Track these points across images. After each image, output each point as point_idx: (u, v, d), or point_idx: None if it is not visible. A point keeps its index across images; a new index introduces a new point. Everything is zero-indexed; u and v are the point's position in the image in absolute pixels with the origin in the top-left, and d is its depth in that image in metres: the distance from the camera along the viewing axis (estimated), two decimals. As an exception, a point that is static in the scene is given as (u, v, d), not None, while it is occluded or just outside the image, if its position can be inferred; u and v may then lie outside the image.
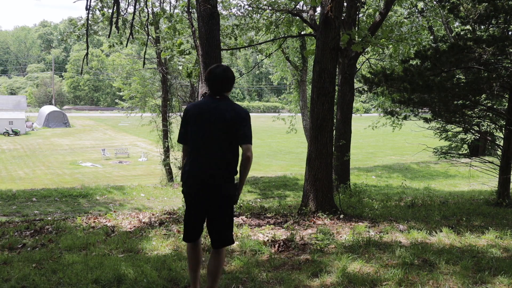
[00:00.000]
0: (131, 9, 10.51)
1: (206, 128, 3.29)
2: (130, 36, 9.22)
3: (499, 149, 11.00)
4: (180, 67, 10.10)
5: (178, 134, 3.50)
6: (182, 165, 3.35)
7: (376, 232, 5.79)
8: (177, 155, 22.01)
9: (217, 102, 3.33)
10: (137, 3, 11.27)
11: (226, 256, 4.69)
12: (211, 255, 3.48)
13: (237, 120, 3.26)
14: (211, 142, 3.29)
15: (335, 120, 10.83)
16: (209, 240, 3.68)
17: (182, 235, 5.32)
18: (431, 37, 18.84)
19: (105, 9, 11.57)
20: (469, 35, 8.90)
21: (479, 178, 16.65)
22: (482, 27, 10.02)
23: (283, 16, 11.89)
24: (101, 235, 5.75)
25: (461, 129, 15.63)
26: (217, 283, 3.49)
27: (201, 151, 3.31)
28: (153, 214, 7.53)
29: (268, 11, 11.74)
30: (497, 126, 11.43)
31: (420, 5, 16.59)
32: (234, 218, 6.75)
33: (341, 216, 6.75)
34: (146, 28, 11.31)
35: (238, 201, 8.43)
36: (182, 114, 20.28)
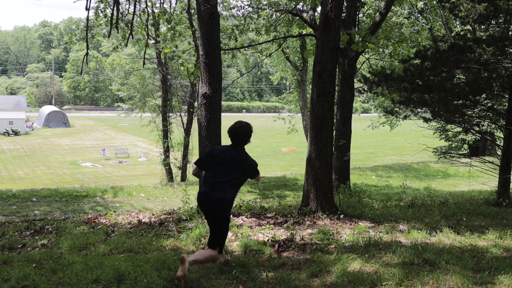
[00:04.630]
0: (132, 9, 10.49)
1: (225, 167, 4.14)
2: (130, 36, 9.22)
3: (499, 149, 10.99)
4: (180, 61, 10.09)
5: (200, 159, 4.48)
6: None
7: (376, 232, 5.79)
8: (177, 155, 22.00)
9: (237, 151, 4.20)
10: (137, 4, 11.26)
11: (226, 254, 4.69)
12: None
13: (248, 167, 4.23)
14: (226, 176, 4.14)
15: (335, 120, 10.82)
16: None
17: (181, 235, 5.36)
18: (431, 37, 18.85)
19: (107, 10, 11.55)
20: (469, 35, 8.91)
21: (479, 178, 16.64)
22: (482, 27, 10.02)
23: (283, 16, 11.88)
24: (101, 235, 5.74)
25: (461, 129, 15.62)
26: (196, 259, 4.00)
27: (218, 180, 4.13)
28: (153, 214, 7.52)
29: (268, 11, 11.73)
30: (497, 126, 11.41)
31: (420, 4, 16.58)
32: (234, 218, 6.79)
33: (341, 216, 6.74)
34: (146, 29, 11.31)
35: (237, 201, 8.50)
36: (182, 114, 20.06)
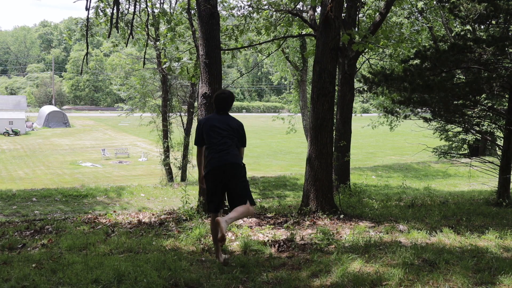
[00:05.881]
0: (132, 9, 10.48)
1: (219, 131, 4.47)
2: (130, 36, 9.22)
3: (499, 149, 10.99)
4: (179, 69, 10.11)
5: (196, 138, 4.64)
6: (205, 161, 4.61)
7: (376, 232, 5.79)
8: (177, 155, 22.01)
9: (224, 116, 4.57)
10: (137, 3, 11.25)
11: (226, 254, 4.69)
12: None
13: (239, 128, 4.58)
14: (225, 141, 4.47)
15: (335, 120, 10.81)
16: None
17: (181, 235, 5.36)
18: (431, 37, 18.85)
19: (107, 9, 11.54)
20: (469, 35, 8.90)
21: (479, 178, 16.64)
22: (482, 27, 10.02)
23: (283, 16, 11.88)
24: (101, 235, 5.74)
25: (461, 129, 15.62)
26: (231, 217, 4.21)
27: (218, 144, 4.44)
28: (153, 214, 7.53)
29: (268, 11, 11.73)
30: (497, 126, 11.40)
31: (420, 4, 16.57)
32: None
33: (341, 216, 6.74)
34: (146, 29, 11.31)
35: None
36: (182, 114, 20.03)
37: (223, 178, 4.41)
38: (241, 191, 4.42)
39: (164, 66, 10.58)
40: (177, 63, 10.58)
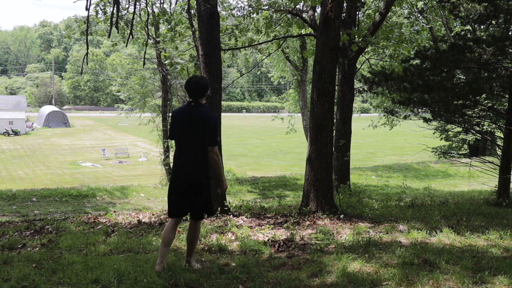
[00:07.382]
0: (132, 9, 10.49)
1: (186, 130, 4.12)
2: (130, 36, 9.21)
3: (499, 149, 10.99)
4: (179, 67, 10.12)
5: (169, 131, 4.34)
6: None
7: (376, 232, 5.79)
8: (177, 155, 21.96)
9: (194, 108, 4.14)
10: (137, 3, 11.25)
11: (226, 254, 4.69)
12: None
13: (206, 123, 4.07)
14: (190, 140, 4.12)
15: (335, 120, 10.82)
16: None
17: (181, 235, 5.37)
18: (431, 37, 18.85)
19: (107, 8, 11.55)
20: (469, 35, 8.90)
21: (479, 178, 16.65)
22: (482, 27, 10.02)
23: (283, 16, 11.88)
24: (101, 235, 5.74)
25: (461, 129, 15.63)
26: (192, 252, 4.34)
27: (183, 148, 4.15)
28: (153, 214, 7.53)
29: (267, 11, 11.73)
30: (497, 126, 11.40)
31: (420, 4, 16.57)
32: (234, 218, 6.80)
33: (341, 216, 6.75)
34: (146, 28, 11.30)
35: (237, 202, 8.55)
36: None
37: (183, 192, 4.19)
38: (200, 206, 4.22)
39: (165, 62, 10.58)
40: (178, 58, 10.59)
